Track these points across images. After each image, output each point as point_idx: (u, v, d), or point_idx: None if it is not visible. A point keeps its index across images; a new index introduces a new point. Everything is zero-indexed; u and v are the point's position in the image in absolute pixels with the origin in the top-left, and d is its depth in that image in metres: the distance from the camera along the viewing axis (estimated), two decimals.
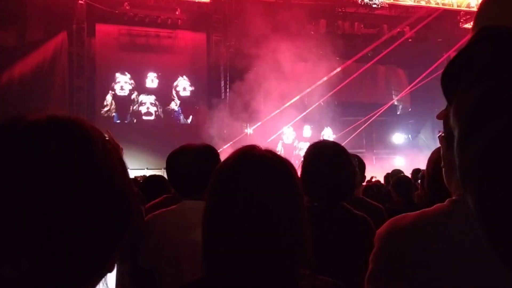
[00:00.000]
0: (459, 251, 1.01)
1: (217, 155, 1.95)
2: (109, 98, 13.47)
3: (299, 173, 1.71)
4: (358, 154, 3.24)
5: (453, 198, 1.10)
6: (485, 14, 0.63)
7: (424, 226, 1.06)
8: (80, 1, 12.73)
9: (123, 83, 13.58)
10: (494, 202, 0.47)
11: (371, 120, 14.28)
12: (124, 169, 0.64)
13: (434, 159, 1.88)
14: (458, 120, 0.53)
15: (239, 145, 1.11)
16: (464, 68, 0.56)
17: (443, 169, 1.17)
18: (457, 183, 1.11)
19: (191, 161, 1.87)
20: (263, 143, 1.14)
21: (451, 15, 15.60)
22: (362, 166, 3.18)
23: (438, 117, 1.18)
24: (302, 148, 13.51)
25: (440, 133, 1.20)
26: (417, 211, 1.10)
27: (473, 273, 1.00)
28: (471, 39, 0.60)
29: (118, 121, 13.44)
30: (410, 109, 16.74)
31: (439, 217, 1.06)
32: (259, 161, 1.02)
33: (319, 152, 1.90)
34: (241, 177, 0.99)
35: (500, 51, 0.55)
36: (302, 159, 1.93)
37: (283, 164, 1.04)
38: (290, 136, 14.62)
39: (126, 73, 13.60)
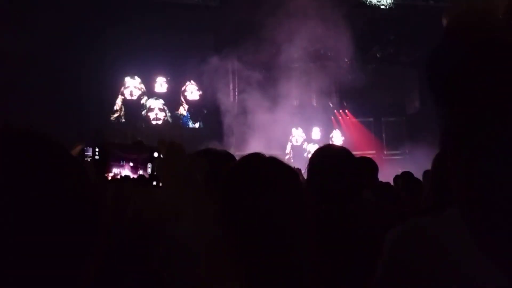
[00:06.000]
0: (474, 261, 0.97)
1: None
2: (119, 102, 13.55)
3: (305, 176, 1.71)
4: (368, 156, 3.22)
5: None
6: None
7: (438, 235, 1.03)
8: None
9: (132, 88, 13.65)
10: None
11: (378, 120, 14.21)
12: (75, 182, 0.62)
13: (437, 161, 1.88)
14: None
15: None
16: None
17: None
18: None
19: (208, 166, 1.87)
20: (272, 145, 1.15)
21: None
22: (374, 169, 3.16)
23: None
24: (311, 150, 13.48)
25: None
26: (431, 217, 1.07)
27: (487, 284, 0.96)
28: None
29: (128, 125, 13.48)
30: (418, 108, 16.62)
31: (452, 226, 1.02)
32: (263, 167, 1.03)
33: (324, 155, 1.91)
34: (245, 183, 1.01)
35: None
36: (308, 162, 1.94)
37: (286, 170, 1.06)
38: (299, 138, 14.59)
39: (136, 77, 13.67)
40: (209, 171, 1.87)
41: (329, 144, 2.06)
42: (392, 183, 5.98)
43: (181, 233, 1.85)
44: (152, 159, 0.88)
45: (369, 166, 2.93)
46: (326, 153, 1.92)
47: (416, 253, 1.02)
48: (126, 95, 13.59)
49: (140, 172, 0.89)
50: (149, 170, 0.88)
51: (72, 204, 0.60)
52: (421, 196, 3.67)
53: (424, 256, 1.01)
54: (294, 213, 1.01)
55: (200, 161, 1.97)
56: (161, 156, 0.88)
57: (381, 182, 3.99)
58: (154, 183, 0.88)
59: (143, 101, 13.73)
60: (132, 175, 0.88)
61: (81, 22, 11.16)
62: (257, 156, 1.07)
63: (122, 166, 0.89)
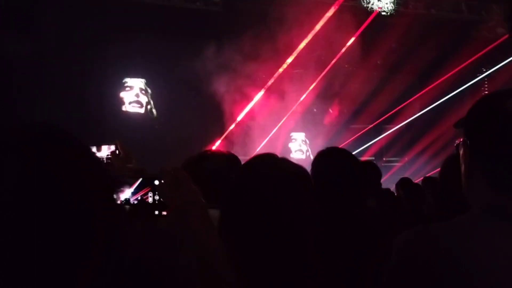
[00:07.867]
0: (485, 267, 0.99)
1: (239, 163, 1.92)
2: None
3: None
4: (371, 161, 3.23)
5: (475, 212, 1.07)
6: None
7: (447, 241, 1.03)
8: None
9: (131, 89, 13.61)
10: None
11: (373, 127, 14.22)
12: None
13: (446, 167, 1.90)
14: None
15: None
16: None
17: (464, 178, 1.14)
18: (478, 192, 1.10)
19: (214, 168, 1.82)
20: (273, 148, 1.17)
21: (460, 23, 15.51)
22: (377, 174, 3.15)
23: (457, 126, 1.16)
24: (311, 155, 13.47)
25: (459, 141, 1.16)
26: (441, 223, 1.07)
27: None
28: None
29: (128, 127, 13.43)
30: (418, 116, 16.56)
31: (464, 232, 1.04)
32: (276, 169, 1.04)
33: (327, 156, 1.93)
34: (258, 184, 1.02)
35: None
36: (312, 164, 1.96)
37: (299, 171, 1.06)
38: (298, 142, 14.56)
39: (135, 79, 13.64)
40: (211, 172, 1.86)
41: (333, 147, 2.09)
42: (391, 189, 5.98)
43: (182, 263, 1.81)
44: (153, 188, 0.88)
45: (373, 171, 2.94)
46: (329, 154, 1.94)
47: (425, 259, 1.01)
48: (126, 97, 13.54)
49: (139, 197, 0.89)
50: (150, 199, 0.88)
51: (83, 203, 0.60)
52: (422, 201, 3.67)
53: (432, 262, 1.00)
54: (300, 212, 1.02)
55: (202, 163, 1.97)
56: (163, 182, 0.87)
57: (382, 188, 4.00)
58: (156, 212, 0.88)
59: (143, 102, 13.68)
60: (132, 200, 0.89)
61: (83, 25, 11.17)
62: (269, 157, 1.08)
63: (121, 191, 0.90)
